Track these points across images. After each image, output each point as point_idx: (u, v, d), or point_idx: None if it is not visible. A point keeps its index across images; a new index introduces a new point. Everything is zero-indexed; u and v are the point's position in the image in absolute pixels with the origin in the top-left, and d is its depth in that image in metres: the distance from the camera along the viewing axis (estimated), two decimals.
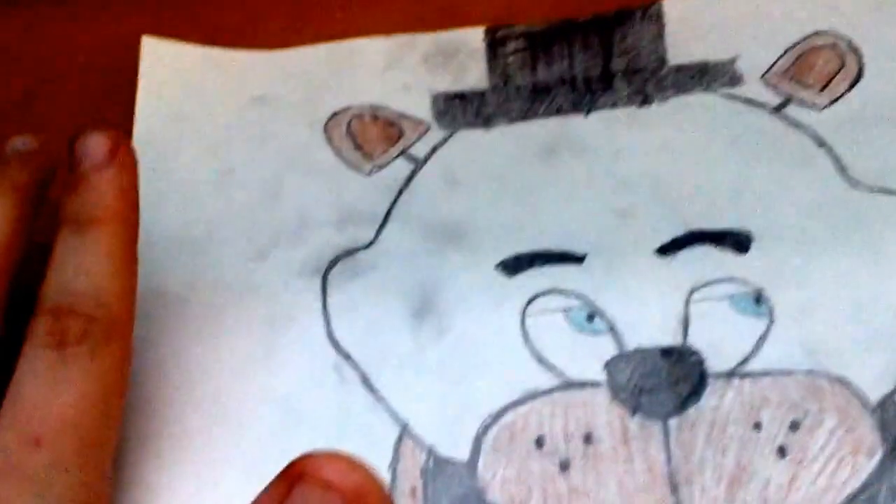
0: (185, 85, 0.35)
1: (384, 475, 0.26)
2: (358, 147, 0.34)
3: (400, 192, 0.33)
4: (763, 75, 0.33)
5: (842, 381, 0.26)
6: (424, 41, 0.35)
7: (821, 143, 0.32)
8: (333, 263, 0.31)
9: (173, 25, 0.36)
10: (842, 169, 0.31)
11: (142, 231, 0.27)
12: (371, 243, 0.32)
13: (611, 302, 0.29)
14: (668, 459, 0.26)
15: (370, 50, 0.35)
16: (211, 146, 0.34)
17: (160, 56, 0.35)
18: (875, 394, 0.26)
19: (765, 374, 0.27)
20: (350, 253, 0.31)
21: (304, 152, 0.34)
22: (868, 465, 0.25)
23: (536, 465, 0.26)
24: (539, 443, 0.26)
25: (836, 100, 0.33)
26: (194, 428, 0.28)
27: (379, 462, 0.26)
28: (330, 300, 0.30)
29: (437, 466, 0.26)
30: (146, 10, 0.37)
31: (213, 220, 0.32)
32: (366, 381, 0.28)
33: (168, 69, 0.35)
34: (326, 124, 0.35)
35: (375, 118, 0.35)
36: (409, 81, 0.35)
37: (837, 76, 0.33)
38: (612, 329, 0.28)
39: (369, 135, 0.34)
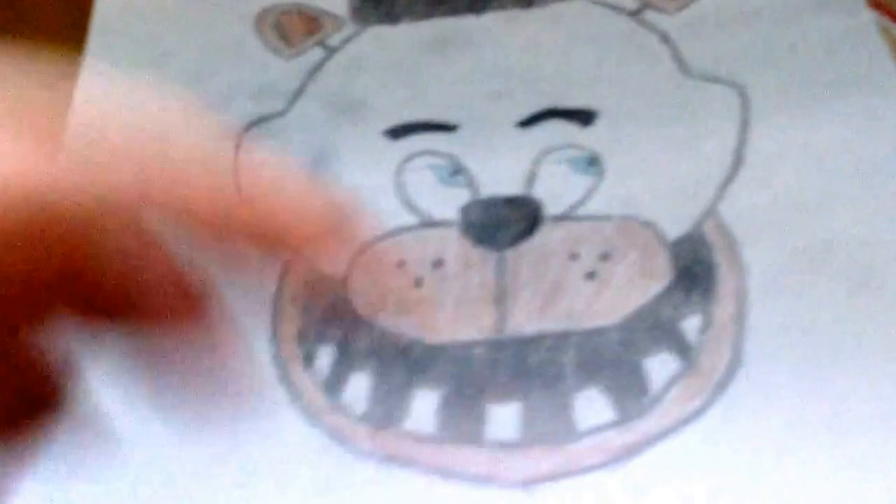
0: None
1: (273, 286, 0.32)
2: (282, 36, 0.40)
3: (313, 74, 0.39)
4: None
5: (648, 224, 0.32)
6: None
7: (666, 40, 0.37)
8: (252, 126, 0.37)
9: None
10: (680, 62, 0.37)
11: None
12: (284, 112, 0.37)
13: (473, 161, 0.35)
14: (499, 280, 0.32)
15: None
16: (155, 33, 0.41)
17: None
18: (673, 234, 0.32)
19: (588, 218, 0.33)
20: (266, 119, 0.37)
21: (234, 40, 0.40)
22: (657, 287, 0.31)
23: (395, 281, 0.32)
24: (400, 265, 0.32)
25: (686, 6, 0.38)
26: None
27: (270, 273, 0.33)
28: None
29: (318, 280, 0.32)
30: None
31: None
32: None
33: None
34: (257, 16, 0.40)
35: (299, 12, 0.41)
36: None
37: None
38: (471, 183, 0.34)
39: (293, 26, 0.40)
